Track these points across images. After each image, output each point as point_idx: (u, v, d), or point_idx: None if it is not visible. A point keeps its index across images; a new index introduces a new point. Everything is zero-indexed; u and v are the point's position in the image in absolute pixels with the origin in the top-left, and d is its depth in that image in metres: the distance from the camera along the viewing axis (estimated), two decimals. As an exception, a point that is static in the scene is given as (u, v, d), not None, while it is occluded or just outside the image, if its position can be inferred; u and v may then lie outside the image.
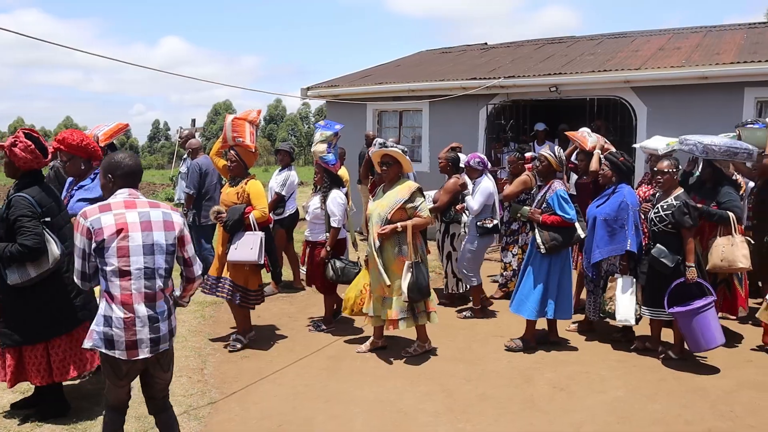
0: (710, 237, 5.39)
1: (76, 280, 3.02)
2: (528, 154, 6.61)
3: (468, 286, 6.46)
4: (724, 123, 6.88)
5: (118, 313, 2.88)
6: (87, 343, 2.96)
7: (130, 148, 60.92)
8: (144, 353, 2.93)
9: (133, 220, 2.95)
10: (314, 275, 5.83)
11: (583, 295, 5.99)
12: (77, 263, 2.97)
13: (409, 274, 4.84)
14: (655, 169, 5.29)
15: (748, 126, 5.86)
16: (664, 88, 8.63)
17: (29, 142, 3.75)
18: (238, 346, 5.29)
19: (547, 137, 10.22)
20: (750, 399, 4.31)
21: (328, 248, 5.63)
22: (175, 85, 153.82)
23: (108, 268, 2.89)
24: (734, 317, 5.81)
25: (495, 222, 6.18)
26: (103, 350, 2.91)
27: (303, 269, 6.09)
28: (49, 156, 3.93)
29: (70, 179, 4.91)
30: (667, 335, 5.15)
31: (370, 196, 5.52)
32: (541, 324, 5.42)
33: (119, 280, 2.89)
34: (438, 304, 5.78)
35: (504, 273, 6.95)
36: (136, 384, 3.16)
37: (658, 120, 8.54)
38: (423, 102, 10.63)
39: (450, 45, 15.40)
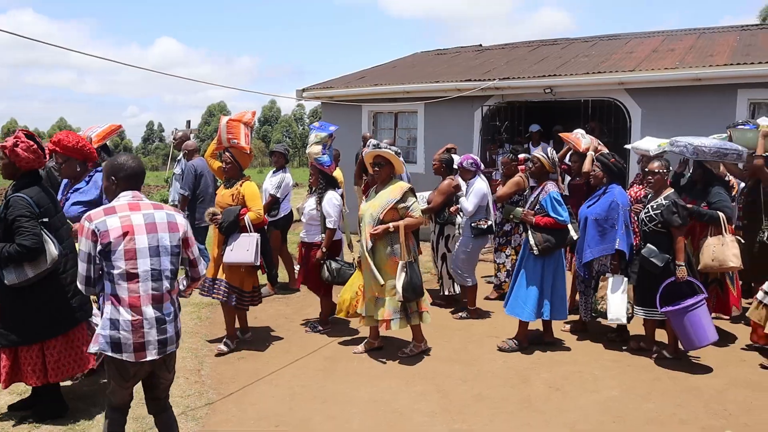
0: (701, 237, 5.45)
1: (79, 286, 2.99)
2: (521, 156, 6.65)
3: (460, 288, 6.49)
4: (717, 124, 6.92)
5: (125, 315, 2.88)
6: (93, 348, 2.95)
7: (124, 150, 60.71)
8: (152, 355, 2.93)
9: (138, 223, 2.95)
10: (309, 276, 5.85)
11: (577, 296, 6.02)
12: (82, 268, 2.93)
13: (404, 274, 4.86)
14: (646, 169, 5.34)
15: (739, 127, 5.92)
16: (658, 89, 8.67)
17: (31, 142, 3.77)
18: (225, 350, 5.27)
19: (542, 139, 10.27)
20: (743, 398, 4.35)
21: (324, 249, 5.65)
22: (168, 86, 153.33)
23: (115, 271, 2.88)
24: (727, 317, 5.85)
25: (489, 223, 6.22)
26: (110, 354, 2.90)
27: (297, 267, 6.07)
28: (47, 157, 3.95)
29: (65, 181, 4.91)
30: (662, 335, 5.18)
31: (363, 197, 5.53)
32: (535, 324, 5.45)
33: (127, 283, 2.89)
34: (432, 304, 5.79)
35: (498, 274, 6.98)
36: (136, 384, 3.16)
37: (652, 121, 8.58)
38: (418, 103, 10.64)
39: (445, 46, 15.40)
